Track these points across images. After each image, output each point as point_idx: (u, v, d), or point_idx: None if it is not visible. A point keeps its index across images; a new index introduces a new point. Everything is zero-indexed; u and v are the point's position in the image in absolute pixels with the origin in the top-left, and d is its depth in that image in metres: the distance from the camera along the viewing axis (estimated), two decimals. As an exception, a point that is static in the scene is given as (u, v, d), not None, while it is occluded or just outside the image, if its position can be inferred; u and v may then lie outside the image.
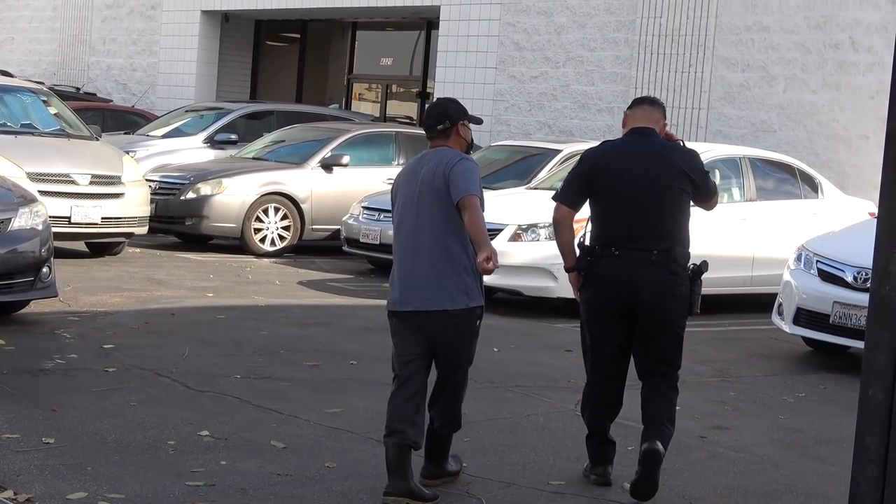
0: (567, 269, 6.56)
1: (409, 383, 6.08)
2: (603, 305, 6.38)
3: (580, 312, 6.58)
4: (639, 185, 6.35)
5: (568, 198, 6.49)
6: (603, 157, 6.52)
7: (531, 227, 12.20)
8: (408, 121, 24.12)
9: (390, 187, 6.49)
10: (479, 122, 6.51)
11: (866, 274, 9.62)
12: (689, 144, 6.78)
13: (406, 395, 6.06)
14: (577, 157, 6.84)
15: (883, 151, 3.18)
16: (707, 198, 6.62)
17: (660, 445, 6.16)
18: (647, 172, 6.37)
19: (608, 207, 6.40)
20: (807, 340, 10.96)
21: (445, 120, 6.26)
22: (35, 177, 13.35)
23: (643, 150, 6.44)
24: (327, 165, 16.43)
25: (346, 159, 16.44)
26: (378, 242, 14.51)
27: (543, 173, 14.72)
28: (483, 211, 6.02)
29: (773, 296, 11.25)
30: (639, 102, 6.68)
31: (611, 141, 6.74)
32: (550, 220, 12.72)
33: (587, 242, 6.49)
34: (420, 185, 6.13)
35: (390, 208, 6.42)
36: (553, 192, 6.76)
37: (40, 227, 9.83)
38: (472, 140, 6.49)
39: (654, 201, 6.35)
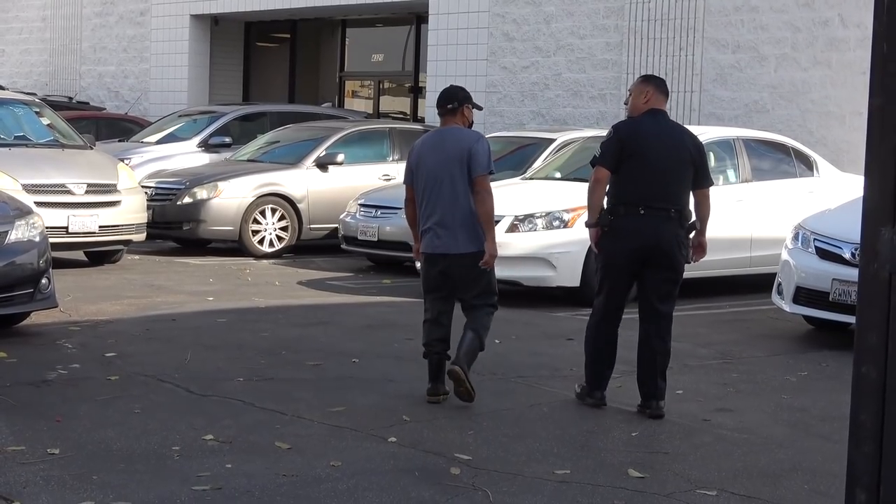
0: (591, 225, 7.74)
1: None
2: (626, 255, 7.64)
3: (598, 259, 7.86)
4: (662, 156, 7.63)
5: (607, 162, 7.65)
6: (634, 130, 7.74)
7: (528, 218, 12.20)
8: (401, 116, 24.14)
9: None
10: (478, 108, 8.19)
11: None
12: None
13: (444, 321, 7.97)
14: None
15: (866, 128, 3.20)
16: (702, 183, 7.87)
17: (663, 408, 7.69)
18: (668, 147, 7.68)
19: (635, 173, 7.60)
20: (807, 319, 10.97)
21: (454, 101, 7.97)
22: (31, 188, 13.39)
23: (665, 129, 7.79)
24: (322, 164, 16.45)
25: (340, 157, 16.46)
26: (376, 239, 14.54)
27: (538, 163, 14.73)
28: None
29: (773, 276, 11.27)
30: (659, 89, 7.87)
31: (636, 118, 7.84)
32: (547, 210, 12.80)
33: (605, 204, 7.71)
34: (448, 155, 7.81)
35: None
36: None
37: (37, 239, 9.84)
38: (473, 122, 8.10)
39: (672, 170, 7.66)
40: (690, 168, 7.72)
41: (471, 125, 8.08)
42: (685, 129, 8.02)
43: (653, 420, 7.58)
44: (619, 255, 7.64)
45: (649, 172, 7.57)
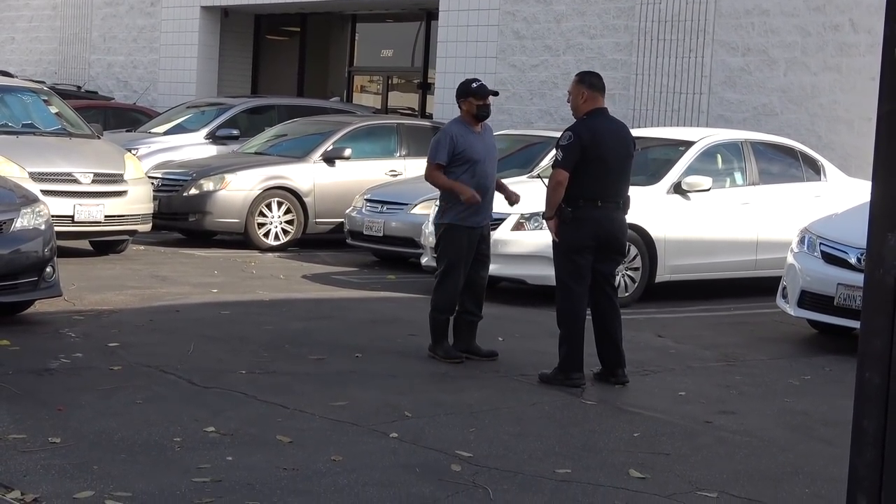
0: (549, 217, 8.50)
1: None
2: (588, 239, 8.44)
3: (558, 247, 8.53)
4: (615, 157, 8.53)
5: (569, 166, 8.40)
6: (593, 134, 8.48)
7: (534, 216, 12.16)
8: (410, 112, 24.12)
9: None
10: (475, 92, 9.08)
11: (869, 255, 9.60)
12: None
13: None
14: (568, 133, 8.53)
15: (875, 134, 3.19)
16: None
17: (625, 376, 8.59)
18: (619, 147, 8.59)
19: (594, 172, 8.41)
20: (812, 323, 10.96)
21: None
22: (37, 176, 13.39)
23: (614, 129, 8.68)
24: (329, 159, 16.44)
25: (348, 152, 16.45)
26: (382, 234, 14.53)
27: (546, 161, 14.69)
28: (434, 170, 9.06)
29: (778, 279, 11.25)
30: (593, 88, 8.71)
31: (588, 120, 8.59)
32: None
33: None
34: None
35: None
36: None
37: (43, 227, 9.84)
38: (477, 110, 9.10)
39: (623, 168, 8.62)
40: (631, 161, 8.73)
41: (475, 115, 9.12)
42: (625, 125, 8.93)
43: (648, 418, 7.57)
44: (583, 239, 8.43)
45: (605, 171, 8.46)
